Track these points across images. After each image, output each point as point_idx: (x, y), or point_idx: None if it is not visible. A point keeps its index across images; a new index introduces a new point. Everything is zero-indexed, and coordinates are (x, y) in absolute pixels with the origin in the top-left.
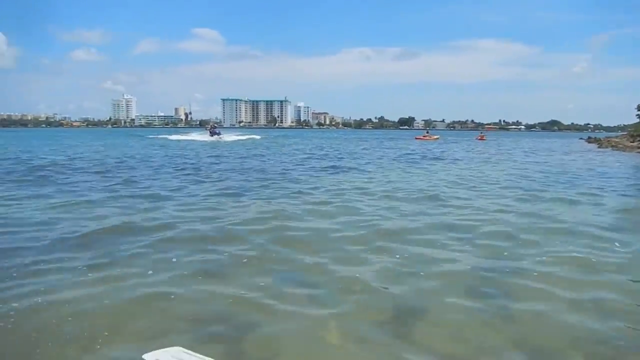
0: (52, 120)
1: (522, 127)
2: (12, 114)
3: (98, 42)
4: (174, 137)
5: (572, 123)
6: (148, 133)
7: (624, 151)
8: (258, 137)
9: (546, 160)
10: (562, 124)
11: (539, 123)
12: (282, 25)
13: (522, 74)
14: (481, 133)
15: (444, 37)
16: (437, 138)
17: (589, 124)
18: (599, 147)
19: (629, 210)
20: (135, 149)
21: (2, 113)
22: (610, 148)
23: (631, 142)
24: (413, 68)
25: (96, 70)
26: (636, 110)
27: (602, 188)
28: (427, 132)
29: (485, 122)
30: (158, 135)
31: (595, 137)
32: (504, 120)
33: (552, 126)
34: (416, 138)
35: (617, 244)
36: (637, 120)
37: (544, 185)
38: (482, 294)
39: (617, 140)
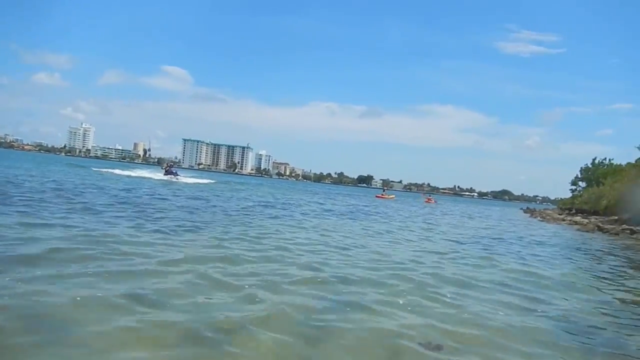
0: (2, 141)
1: (475, 194)
2: None
3: (63, 67)
4: (119, 171)
5: (522, 194)
6: (95, 165)
7: (548, 222)
8: (213, 181)
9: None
10: (513, 194)
11: (491, 191)
12: (253, 72)
13: (478, 142)
14: (429, 196)
15: (407, 99)
16: (393, 197)
17: (537, 195)
18: (530, 217)
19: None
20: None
21: None
22: (539, 218)
23: (559, 214)
24: (376, 127)
25: (57, 95)
26: (570, 184)
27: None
28: (384, 191)
29: (440, 187)
30: (102, 168)
31: (531, 208)
32: (458, 186)
33: (503, 195)
34: (377, 196)
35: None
36: (570, 194)
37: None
38: None
39: (547, 212)
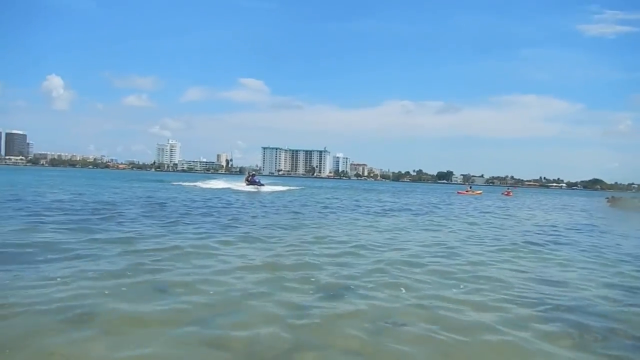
0: (100, 161)
1: (564, 184)
2: (62, 153)
3: (149, 89)
4: (191, 184)
5: (616, 182)
6: (175, 179)
7: (626, 211)
8: (298, 187)
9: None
10: (605, 183)
11: (580, 181)
12: (327, 76)
13: (564, 130)
14: (508, 189)
15: (486, 92)
16: (480, 193)
17: (633, 183)
18: (609, 206)
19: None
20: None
21: (52, 153)
22: (617, 207)
23: None
24: (454, 122)
25: (146, 115)
26: None
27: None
28: (470, 188)
29: (525, 179)
30: (180, 181)
31: (616, 197)
32: (544, 177)
33: (594, 185)
34: (458, 192)
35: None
36: None
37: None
38: None
39: (634, 201)
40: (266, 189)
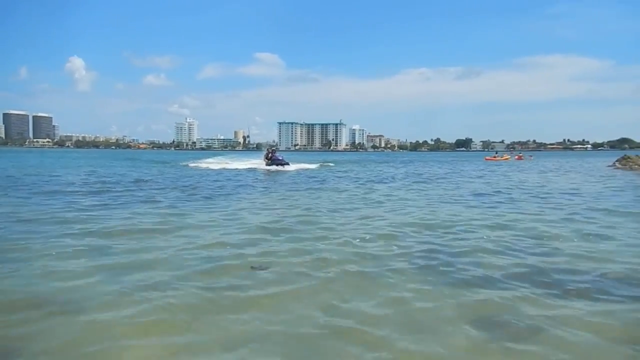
0: (122, 142)
1: (589, 146)
2: (86, 135)
3: (167, 67)
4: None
5: None
6: (183, 158)
7: (631, 170)
8: (315, 165)
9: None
10: (634, 142)
11: (607, 141)
12: (342, 47)
13: (592, 90)
14: (519, 154)
15: (509, 54)
16: (508, 158)
17: None
18: (612, 169)
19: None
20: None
21: (77, 134)
22: (621, 167)
23: None
24: (474, 87)
25: (165, 94)
26: None
27: None
28: (497, 154)
29: (548, 142)
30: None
31: (627, 156)
32: (568, 140)
33: (622, 144)
34: (486, 159)
35: None
36: None
37: None
38: None
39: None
40: (293, 167)
